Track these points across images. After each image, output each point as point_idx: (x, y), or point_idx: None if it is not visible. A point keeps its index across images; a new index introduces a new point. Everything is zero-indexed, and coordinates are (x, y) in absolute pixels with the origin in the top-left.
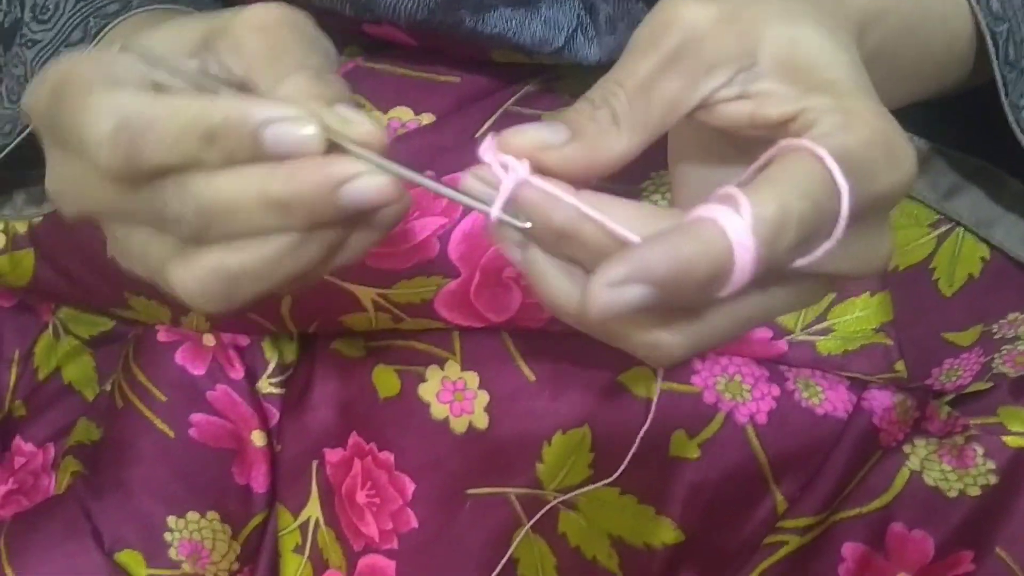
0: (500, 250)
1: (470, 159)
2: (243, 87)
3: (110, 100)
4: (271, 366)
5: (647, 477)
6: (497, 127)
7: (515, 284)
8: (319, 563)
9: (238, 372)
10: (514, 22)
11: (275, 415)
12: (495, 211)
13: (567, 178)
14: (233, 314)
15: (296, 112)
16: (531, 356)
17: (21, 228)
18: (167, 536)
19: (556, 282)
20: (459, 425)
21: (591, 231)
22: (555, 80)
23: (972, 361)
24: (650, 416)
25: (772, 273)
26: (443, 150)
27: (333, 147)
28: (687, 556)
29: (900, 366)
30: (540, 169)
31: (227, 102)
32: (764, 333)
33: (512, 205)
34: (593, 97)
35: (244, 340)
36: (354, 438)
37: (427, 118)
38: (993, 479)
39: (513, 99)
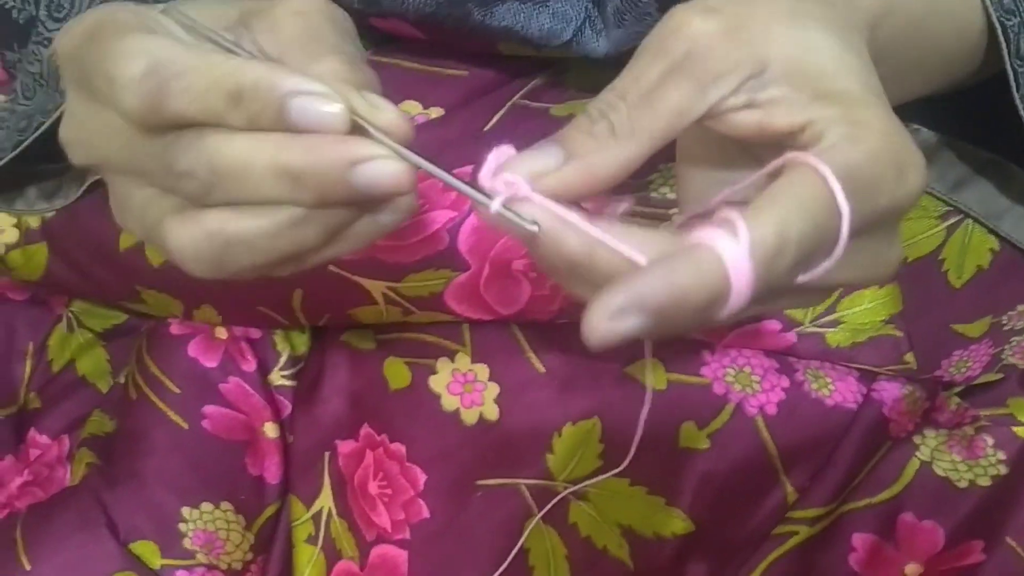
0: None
1: (478, 153)
2: None
3: (144, 42)
4: (283, 359)
5: (657, 468)
6: (505, 121)
7: (524, 277)
8: (332, 553)
9: (250, 364)
10: (522, 15)
11: (287, 407)
12: (496, 205)
13: (568, 198)
14: (221, 281)
15: (324, 89)
16: (540, 348)
17: (34, 223)
18: (181, 527)
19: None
20: (470, 417)
21: (603, 257)
22: (563, 73)
23: (981, 352)
24: (647, 399)
25: (771, 291)
26: (451, 144)
27: (356, 129)
28: (697, 546)
29: (909, 357)
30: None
31: (260, 66)
32: (773, 325)
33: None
34: (591, 110)
35: (256, 333)
36: (365, 429)
37: (435, 112)
38: (1003, 469)
39: (521, 93)
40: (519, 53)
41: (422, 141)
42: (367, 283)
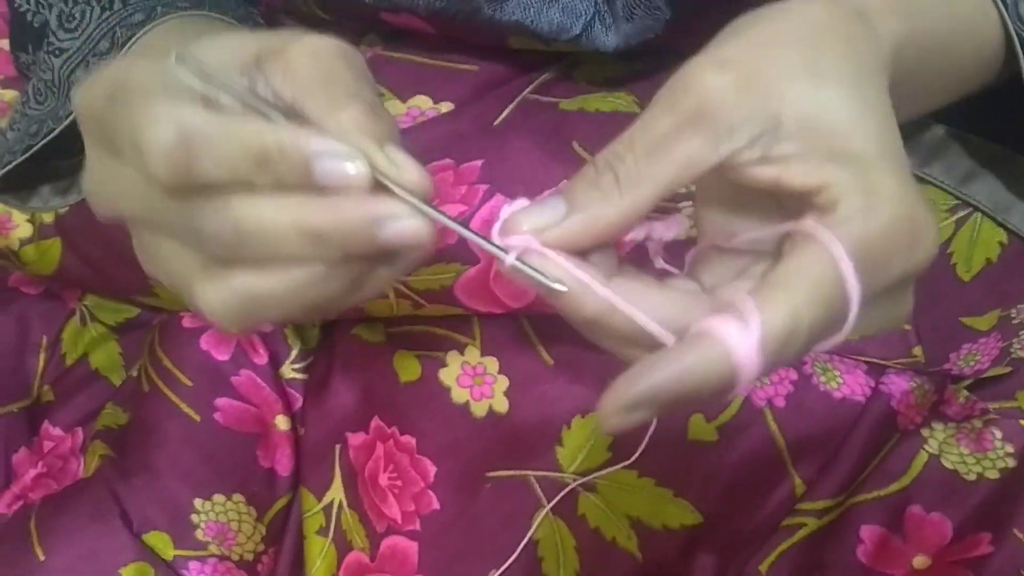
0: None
1: (487, 147)
2: (290, 112)
3: (172, 111)
4: (294, 352)
5: (665, 460)
6: (515, 115)
7: None
8: (343, 545)
9: (262, 358)
10: (532, 10)
11: (298, 400)
12: (510, 259)
13: (572, 250)
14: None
15: (348, 149)
16: (549, 341)
17: (48, 218)
18: (194, 518)
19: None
20: (479, 409)
21: (621, 321)
22: (573, 67)
23: (990, 346)
24: None
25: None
26: (461, 138)
27: (378, 185)
28: (705, 538)
29: (918, 351)
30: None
31: (284, 130)
32: None
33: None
34: (598, 161)
35: (267, 326)
36: (376, 422)
37: (446, 106)
38: (1011, 462)
39: (531, 87)
40: (529, 47)
41: (433, 135)
42: None
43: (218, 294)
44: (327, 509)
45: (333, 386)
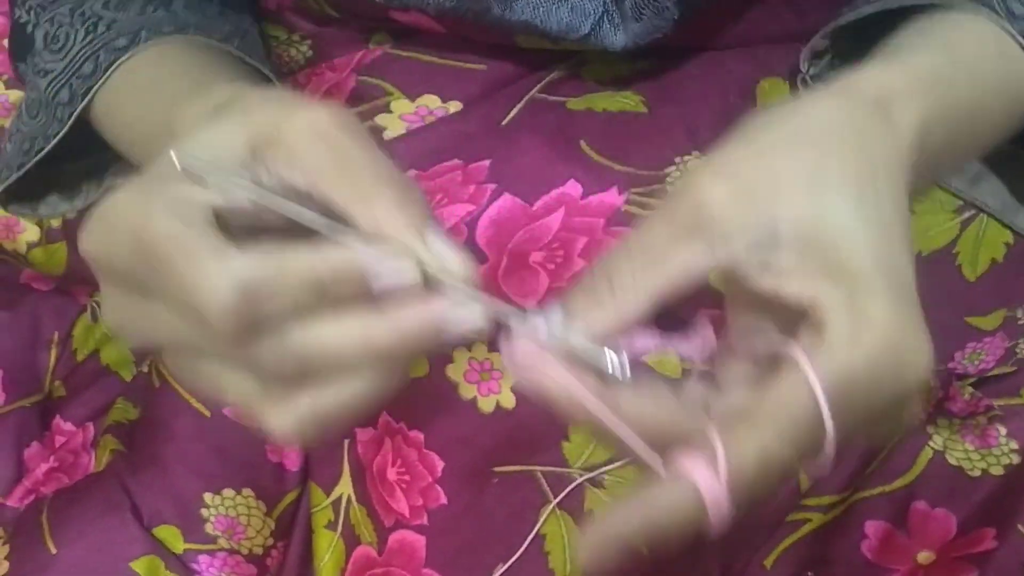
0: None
1: (496, 147)
2: (308, 199)
3: (224, 269)
4: None
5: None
6: (523, 114)
7: (542, 268)
8: (351, 539)
9: None
10: (541, 9)
11: None
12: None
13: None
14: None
15: (397, 256)
16: None
17: (55, 221)
18: (203, 512)
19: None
20: (486, 404)
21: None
22: (581, 66)
23: (996, 345)
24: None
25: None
26: (469, 138)
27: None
28: None
29: None
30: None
31: (335, 255)
32: None
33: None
34: (596, 269)
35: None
36: (384, 417)
37: (454, 105)
38: (1016, 459)
39: (539, 86)
40: (537, 46)
41: (442, 135)
42: None
43: (287, 419)
44: (336, 503)
45: None
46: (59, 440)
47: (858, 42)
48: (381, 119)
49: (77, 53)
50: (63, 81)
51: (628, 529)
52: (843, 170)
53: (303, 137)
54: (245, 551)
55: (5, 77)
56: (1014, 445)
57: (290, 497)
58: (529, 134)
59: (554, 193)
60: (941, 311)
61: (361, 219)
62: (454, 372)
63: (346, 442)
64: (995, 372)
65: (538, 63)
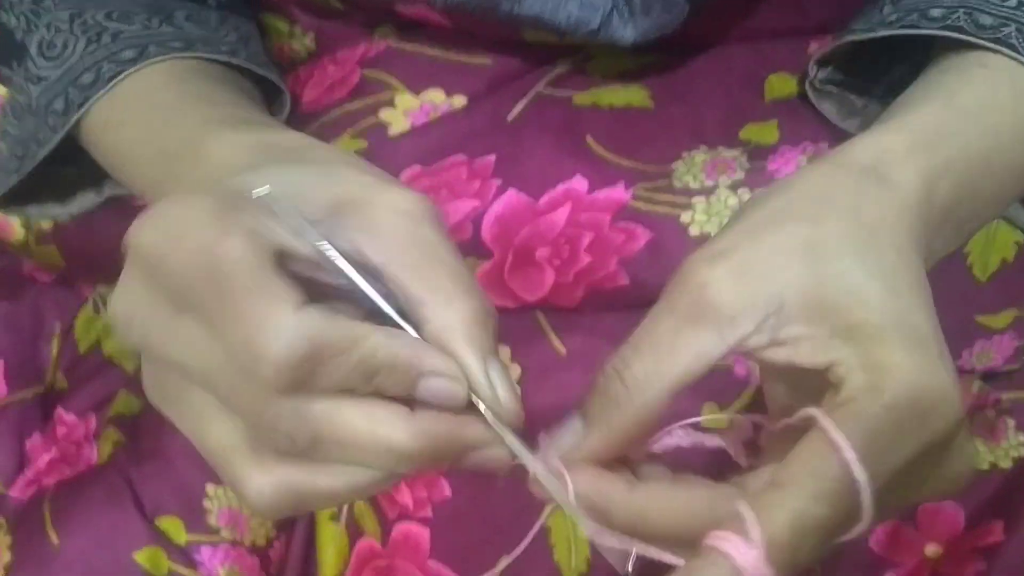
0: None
1: (501, 142)
2: (374, 277)
3: (298, 321)
4: None
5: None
6: (529, 110)
7: (548, 264)
8: (354, 531)
9: None
10: (550, 4)
11: None
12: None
13: (599, 463)
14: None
15: (456, 373)
16: (562, 331)
17: (45, 225)
18: (206, 503)
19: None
20: None
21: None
22: (587, 61)
23: (1005, 344)
24: None
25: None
26: (475, 133)
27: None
28: None
29: None
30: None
31: (399, 345)
32: None
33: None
34: (607, 369)
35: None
36: None
37: (459, 100)
38: None
39: (544, 81)
40: (544, 40)
41: (447, 131)
42: None
43: (272, 487)
44: None
45: None
46: (61, 431)
47: (864, 49)
48: (385, 114)
49: (76, 63)
50: (59, 90)
51: None
52: (839, 234)
53: (388, 214)
54: (248, 543)
55: None
56: (1023, 439)
57: None
58: (535, 129)
59: (560, 188)
60: (951, 311)
61: (433, 319)
62: None
63: None
64: (1004, 370)
65: (544, 57)
